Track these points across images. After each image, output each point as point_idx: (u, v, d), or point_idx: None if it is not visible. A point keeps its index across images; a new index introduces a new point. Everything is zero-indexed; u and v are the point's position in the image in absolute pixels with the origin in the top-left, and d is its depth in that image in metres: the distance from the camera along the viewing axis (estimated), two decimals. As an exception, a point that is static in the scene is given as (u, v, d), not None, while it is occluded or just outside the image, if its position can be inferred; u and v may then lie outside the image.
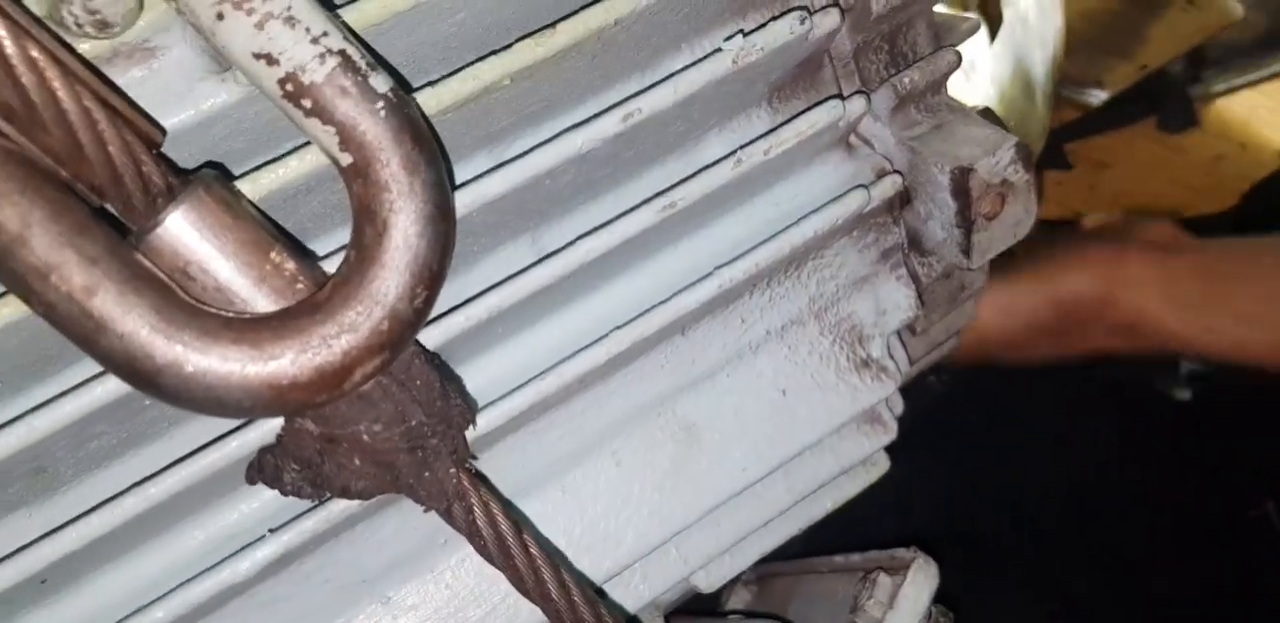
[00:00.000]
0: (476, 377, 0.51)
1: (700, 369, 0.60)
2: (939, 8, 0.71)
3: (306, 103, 0.38)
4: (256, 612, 0.50)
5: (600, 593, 0.57)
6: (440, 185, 0.39)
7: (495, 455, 0.54)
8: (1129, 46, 1.29)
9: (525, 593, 0.45)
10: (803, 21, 0.54)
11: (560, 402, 0.54)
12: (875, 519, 1.07)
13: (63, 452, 0.44)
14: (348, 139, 0.38)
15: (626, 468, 0.58)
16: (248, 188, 0.43)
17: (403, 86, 0.41)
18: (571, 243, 0.51)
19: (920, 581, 0.64)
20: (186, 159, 0.43)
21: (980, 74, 1.10)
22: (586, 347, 0.52)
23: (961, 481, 1.14)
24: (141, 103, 0.40)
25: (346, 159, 0.39)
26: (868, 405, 0.64)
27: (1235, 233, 1.34)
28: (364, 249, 0.38)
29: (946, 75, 0.64)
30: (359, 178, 0.39)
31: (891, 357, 0.65)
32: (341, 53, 0.38)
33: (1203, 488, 1.12)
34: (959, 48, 0.66)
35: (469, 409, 0.45)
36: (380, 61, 0.40)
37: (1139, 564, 1.07)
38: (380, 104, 0.39)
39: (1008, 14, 1.09)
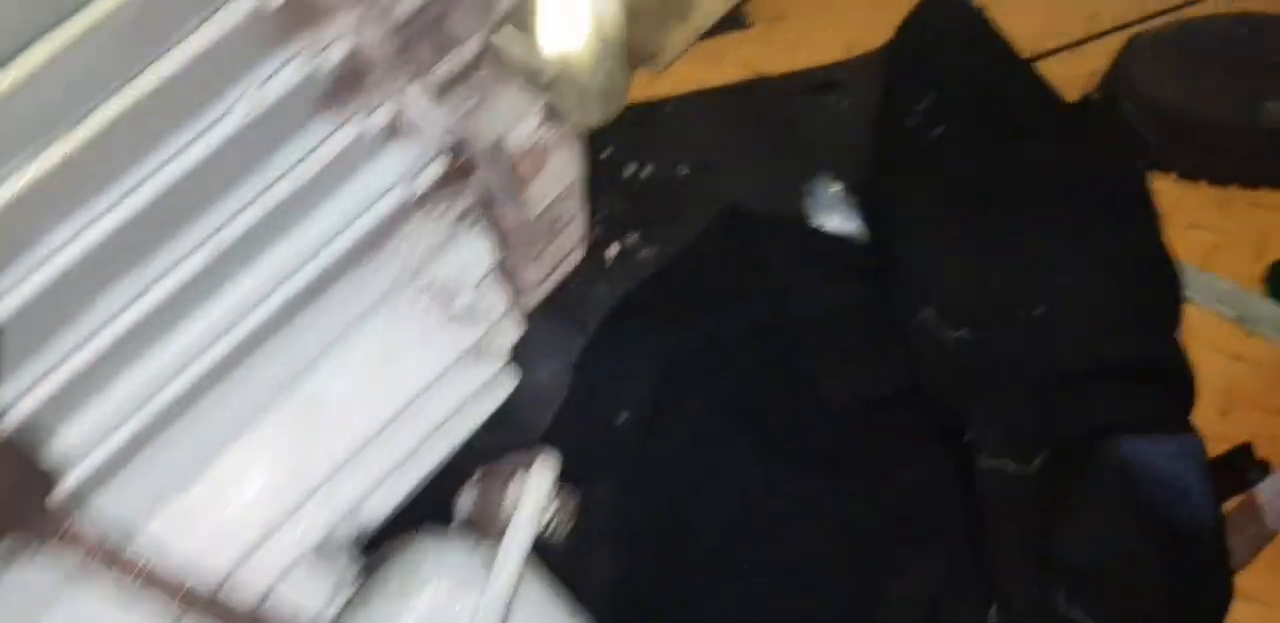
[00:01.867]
0: (74, 429, 0.59)
1: (313, 350, 0.69)
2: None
3: None
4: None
5: None
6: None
7: (129, 474, 0.62)
8: (684, 9, 1.33)
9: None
10: (308, 64, 0.61)
11: (179, 417, 0.63)
12: (601, 388, 1.20)
13: None
14: None
15: (263, 451, 0.68)
16: None
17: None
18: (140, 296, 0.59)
19: (538, 474, 0.77)
20: None
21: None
22: (174, 377, 0.61)
23: (669, 340, 1.25)
24: None
25: None
26: (467, 346, 0.74)
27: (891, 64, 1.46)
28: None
29: (478, 57, 0.72)
30: None
31: (481, 302, 0.75)
32: None
33: (877, 308, 1.26)
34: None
35: (50, 480, 0.53)
36: None
37: (824, 377, 1.21)
38: None
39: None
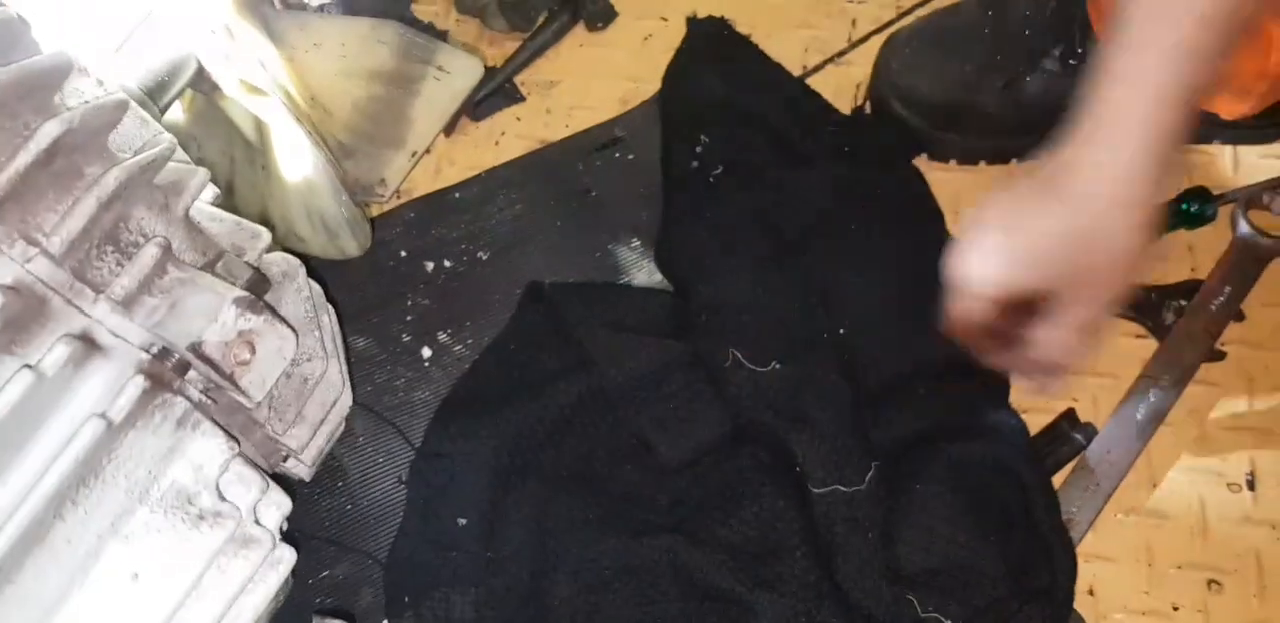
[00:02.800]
0: None
1: (50, 595, 0.69)
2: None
3: None
4: None
5: None
6: None
7: None
8: (400, 134, 1.34)
9: None
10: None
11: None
12: (435, 498, 1.21)
13: None
14: None
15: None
16: None
17: None
18: None
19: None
20: None
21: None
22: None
23: (497, 434, 1.26)
24: None
25: None
26: (219, 545, 0.75)
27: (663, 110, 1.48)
28: None
29: (160, 265, 0.73)
30: None
31: (224, 497, 0.76)
32: None
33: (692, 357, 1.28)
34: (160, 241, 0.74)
35: None
36: None
37: (652, 436, 1.23)
38: None
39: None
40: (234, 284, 0.76)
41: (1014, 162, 1.48)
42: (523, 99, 1.56)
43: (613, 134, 1.58)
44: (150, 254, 0.72)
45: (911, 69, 1.45)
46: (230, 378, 0.72)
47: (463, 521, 1.16)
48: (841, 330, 1.21)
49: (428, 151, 1.41)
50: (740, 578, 1.07)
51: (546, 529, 1.15)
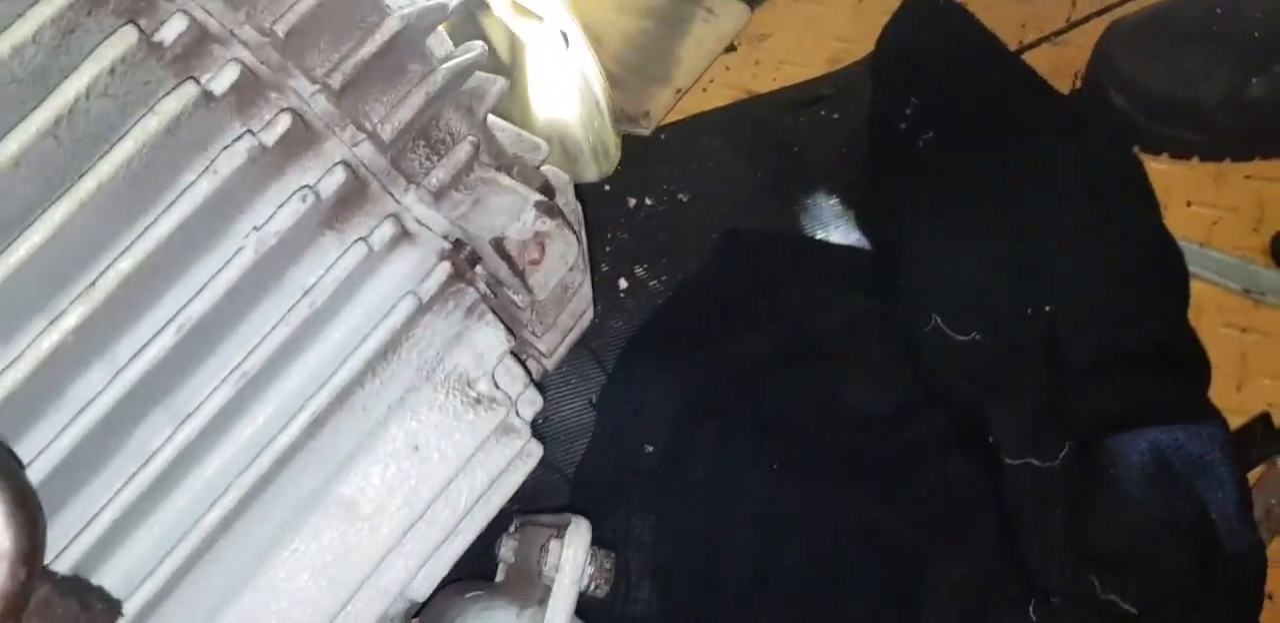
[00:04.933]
0: (125, 559, 0.64)
1: (341, 455, 0.74)
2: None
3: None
4: None
5: None
6: (15, 482, 0.52)
7: (184, 589, 0.67)
8: (666, 71, 1.35)
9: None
10: (305, 199, 0.66)
11: (224, 534, 0.68)
12: (625, 422, 1.25)
13: None
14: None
15: (304, 555, 0.73)
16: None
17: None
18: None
19: (575, 543, 0.82)
20: None
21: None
22: (216, 499, 0.66)
23: (687, 369, 1.29)
24: None
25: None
26: (489, 431, 0.79)
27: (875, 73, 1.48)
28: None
29: (468, 163, 0.76)
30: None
31: (499, 385, 0.79)
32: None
33: (888, 317, 1.29)
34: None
35: (111, 610, 0.59)
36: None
37: (843, 389, 1.25)
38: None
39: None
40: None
41: (1227, 159, 1.45)
42: (734, 49, 1.57)
43: (820, 91, 1.58)
44: (464, 150, 0.75)
45: (1134, 59, 1.43)
46: (521, 275, 0.75)
47: (649, 448, 1.19)
48: (1047, 308, 1.21)
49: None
50: (923, 536, 1.08)
51: (729, 468, 1.17)
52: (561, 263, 0.77)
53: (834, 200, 1.44)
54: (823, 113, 1.54)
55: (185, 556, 0.65)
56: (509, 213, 0.74)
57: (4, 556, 0.50)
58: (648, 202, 1.45)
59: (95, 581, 0.62)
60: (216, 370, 0.66)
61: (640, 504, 1.18)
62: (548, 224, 0.75)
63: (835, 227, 1.43)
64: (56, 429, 0.60)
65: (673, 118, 1.49)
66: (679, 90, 1.38)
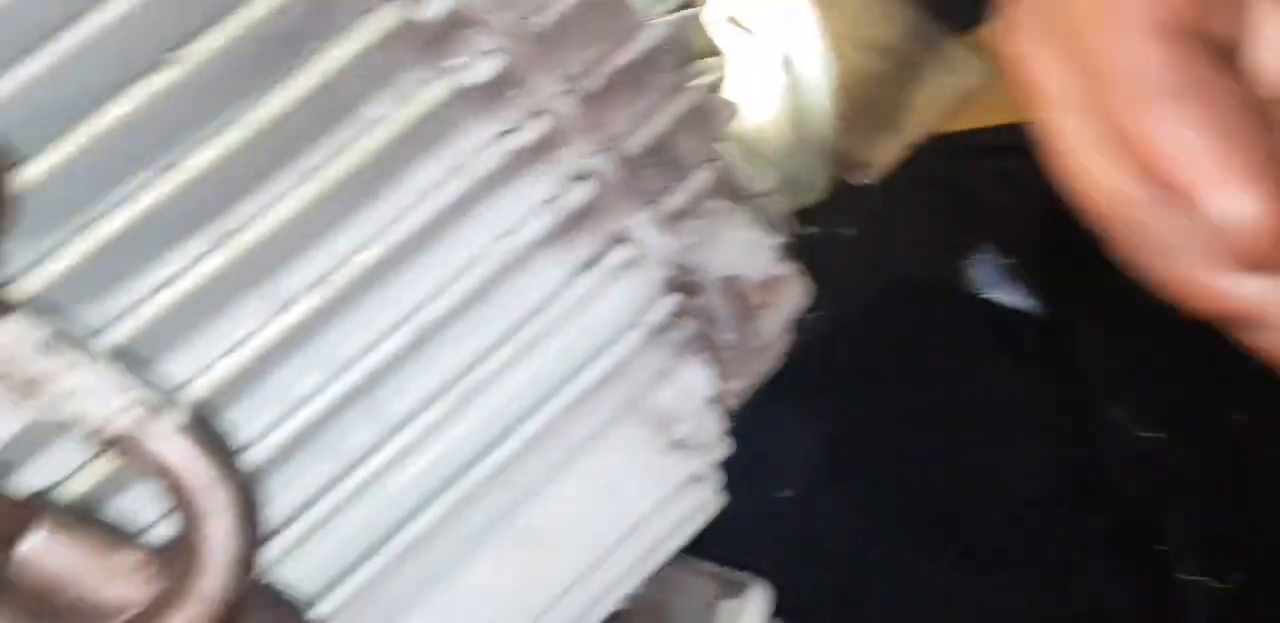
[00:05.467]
0: (308, 562, 0.61)
1: (534, 481, 0.70)
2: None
3: (116, 447, 0.47)
4: None
5: None
6: (241, 490, 0.48)
7: (357, 602, 0.64)
8: (894, 117, 1.30)
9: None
10: (557, 209, 0.62)
11: (407, 553, 0.65)
12: (762, 462, 1.20)
13: None
14: (157, 471, 0.47)
15: (482, 579, 0.68)
16: (78, 480, 0.52)
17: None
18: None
19: (752, 610, 0.77)
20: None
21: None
22: (417, 514, 0.63)
23: (831, 416, 1.24)
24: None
25: (159, 484, 0.47)
26: (686, 475, 0.74)
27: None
28: (186, 557, 0.48)
29: (705, 190, 0.72)
30: (173, 496, 0.48)
31: (699, 430, 0.75)
32: (139, 401, 0.46)
33: (1064, 399, 1.24)
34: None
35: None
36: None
37: (1000, 468, 1.19)
38: (178, 436, 0.47)
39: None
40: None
41: None
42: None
43: (1007, 140, 1.51)
44: (705, 176, 0.71)
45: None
46: (748, 320, 0.71)
47: (788, 493, 1.14)
48: (1237, 416, 1.14)
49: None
50: None
51: (862, 537, 1.12)
52: (790, 308, 0.73)
53: (1009, 260, 1.38)
54: (1004, 165, 1.47)
55: (377, 568, 0.61)
56: (746, 251, 0.70)
57: (226, 565, 0.47)
58: (812, 229, 1.40)
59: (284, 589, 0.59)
60: (433, 383, 0.62)
61: (765, 547, 1.13)
62: (784, 268, 0.70)
63: (1006, 288, 1.36)
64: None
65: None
66: (908, 143, 1.32)
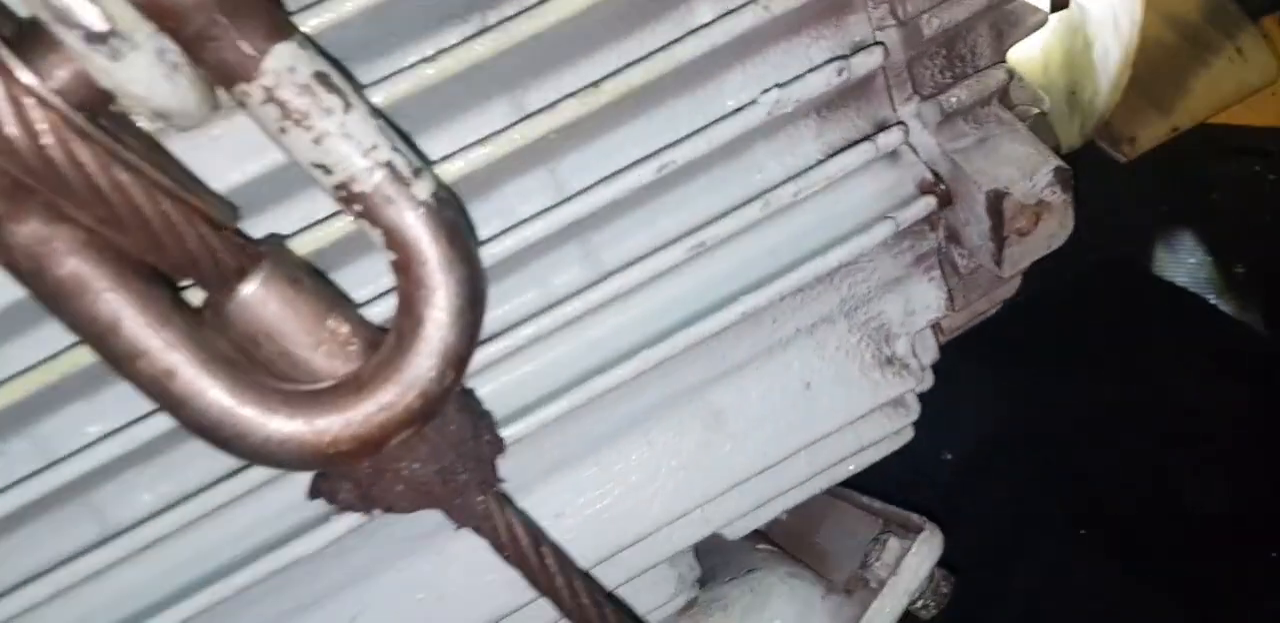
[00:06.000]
0: (508, 385, 0.58)
1: (731, 362, 0.65)
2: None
3: (357, 207, 0.43)
4: (335, 560, 0.60)
5: (612, 599, 0.64)
6: (471, 280, 0.45)
7: (537, 436, 0.60)
8: (1171, 98, 1.18)
9: (539, 590, 0.54)
10: (840, 72, 0.57)
11: (597, 398, 0.61)
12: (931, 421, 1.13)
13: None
14: (391, 240, 0.44)
15: (656, 449, 0.65)
16: (309, 237, 0.49)
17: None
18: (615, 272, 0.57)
19: (924, 552, 0.72)
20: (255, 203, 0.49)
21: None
22: (614, 364, 0.59)
23: (1013, 389, 1.17)
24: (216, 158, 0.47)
25: (390, 256, 0.44)
26: (887, 399, 0.69)
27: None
28: (402, 336, 0.45)
29: (995, 93, 0.66)
30: (401, 274, 0.44)
31: (915, 352, 0.69)
32: (388, 164, 0.43)
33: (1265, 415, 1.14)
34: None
35: (497, 443, 0.52)
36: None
37: (1183, 478, 1.10)
38: (420, 210, 0.44)
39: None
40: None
41: None
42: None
43: (1260, 144, 1.40)
44: (997, 78, 0.65)
45: None
46: (1001, 242, 0.65)
47: (948, 456, 1.08)
48: None
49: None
50: None
51: (1023, 512, 1.05)
52: (1046, 243, 0.67)
53: (1240, 268, 1.27)
54: (1257, 169, 1.35)
55: (565, 407, 0.58)
56: (1021, 167, 0.63)
57: (441, 353, 0.43)
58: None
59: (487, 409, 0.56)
60: (654, 227, 0.58)
61: (921, 503, 1.07)
62: (1058, 195, 0.64)
63: (1230, 298, 1.26)
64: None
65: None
66: (1175, 128, 1.21)
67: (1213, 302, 1.23)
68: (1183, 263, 1.27)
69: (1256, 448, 1.06)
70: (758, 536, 0.83)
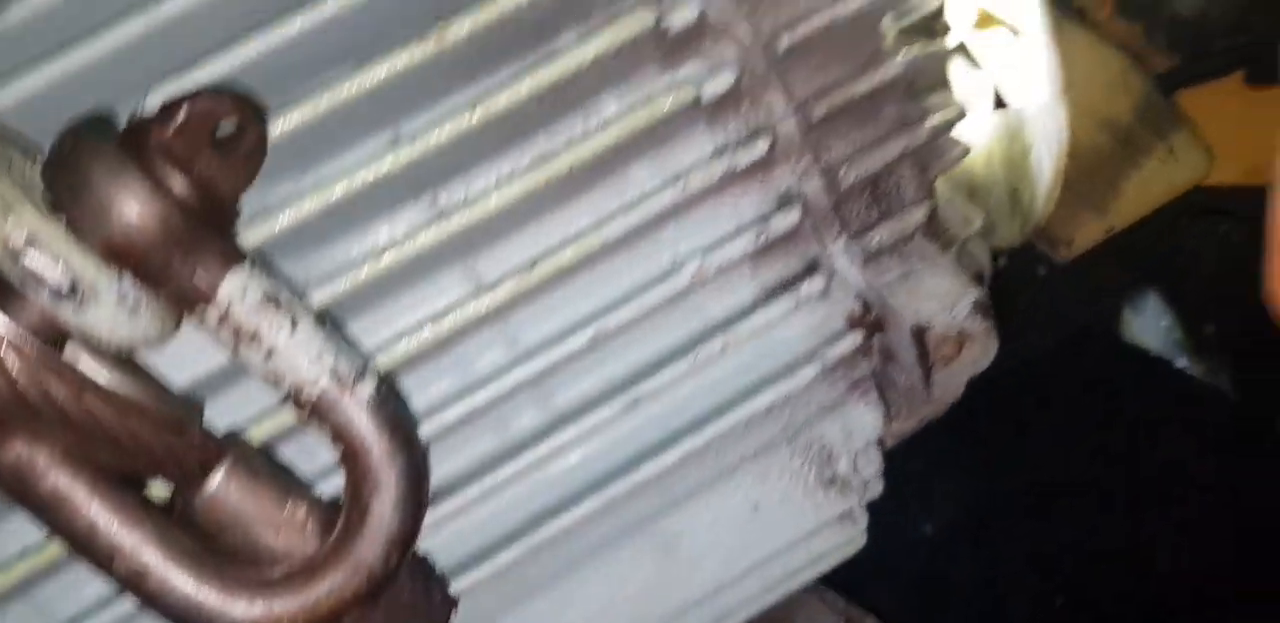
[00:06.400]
0: (462, 530, 0.63)
1: (680, 491, 0.70)
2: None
3: (306, 410, 0.49)
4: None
5: None
6: (413, 468, 0.50)
7: (489, 581, 0.65)
8: (1105, 200, 1.22)
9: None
10: (759, 236, 0.62)
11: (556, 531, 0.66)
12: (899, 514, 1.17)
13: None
14: (337, 436, 0.49)
15: (611, 579, 0.69)
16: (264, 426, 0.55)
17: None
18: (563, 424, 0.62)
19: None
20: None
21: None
22: (565, 508, 0.63)
23: (988, 463, 1.21)
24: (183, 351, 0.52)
25: (338, 449, 0.49)
26: (836, 514, 0.73)
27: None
28: (349, 524, 0.49)
29: (915, 231, 0.70)
30: (346, 465, 0.49)
31: (857, 469, 0.74)
32: (332, 371, 0.48)
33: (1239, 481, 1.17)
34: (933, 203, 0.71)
35: (449, 604, 0.57)
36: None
37: (1160, 551, 1.13)
38: (363, 409, 0.49)
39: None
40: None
41: None
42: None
43: (1224, 204, 1.43)
44: (917, 216, 0.69)
45: None
46: (928, 370, 0.69)
47: (929, 528, 1.12)
48: None
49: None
50: None
51: (1003, 598, 1.08)
52: (972, 367, 0.71)
53: (1209, 329, 1.31)
54: (1223, 229, 1.39)
55: (520, 552, 0.63)
56: (941, 302, 0.68)
57: (386, 540, 0.48)
58: (1002, 262, 1.35)
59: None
60: (604, 382, 0.63)
61: (894, 579, 1.11)
62: (978, 324, 0.68)
63: (1199, 361, 1.30)
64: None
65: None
66: (1111, 229, 1.24)
67: (1182, 366, 1.26)
68: (1152, 326, 1.31)
69: (1223, 512, 1.09)
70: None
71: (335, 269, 0.56)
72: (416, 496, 0.50)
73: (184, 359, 0.53)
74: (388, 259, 0.56)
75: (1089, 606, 1.06)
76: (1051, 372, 1.27)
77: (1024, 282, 1.35)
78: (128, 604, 0.56)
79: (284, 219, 0.53)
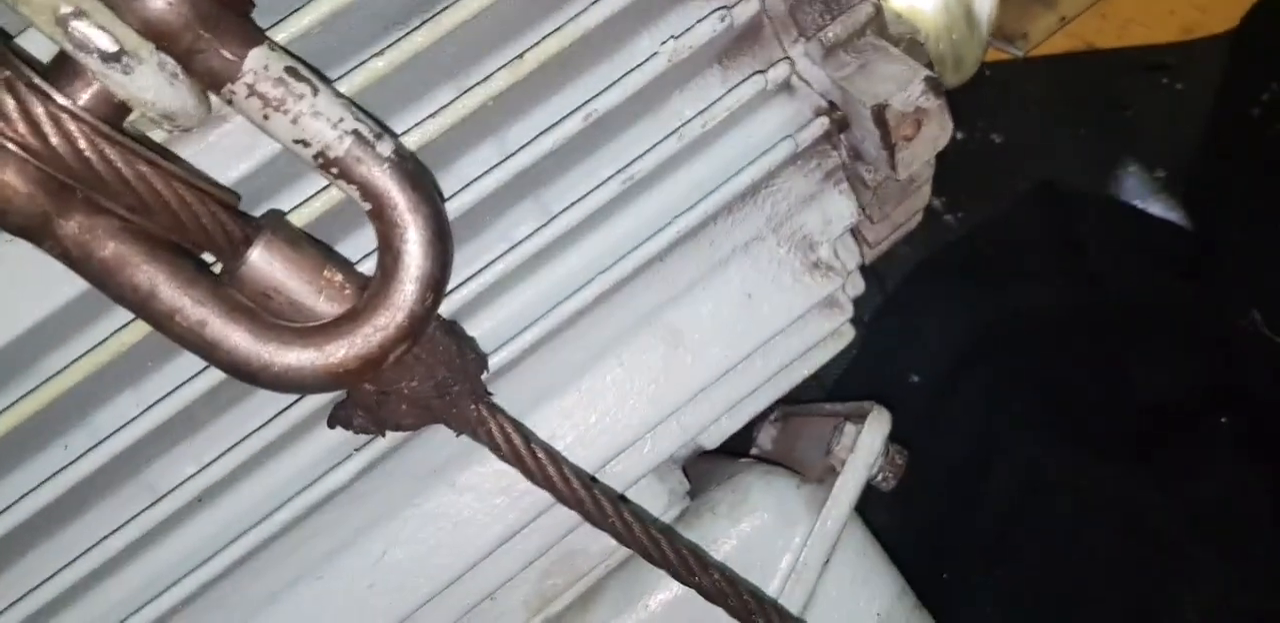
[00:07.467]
0: (488, 323, 0.68)
1: (680, 285, 0.75)
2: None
3: (334, 170, 0.53)
4: (359, 504, 0.70)
5: (594, 479, 0.75)
6: (437, 216, 0.55)
7: (520, 372, 0.70)
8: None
9: (536, 484, 0.64)
10: (723, 19, 0.66)
11: (568, 327, 0.71)
12: (894, 347, 1.23)
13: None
14: (365, 193, 0.54)
15: (628, 369, 0.75)
16: (300, 213, 0.59)
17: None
18: (558, 214, 0.67)
19: (875, 428, 0.81)
20: (254, 193, 0.59)
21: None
22: (576, 290, 0.69)
23: (968, 308, 1.26)
24: (215, 158, 0.57)
25: (366, 206, 0.54)
26: (820, 298, 0.79)
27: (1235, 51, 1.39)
28: (386, 270, 0.54)
29: (866, 24, 0.75)
30: (376, 220, 0.54)
31: (838, 256, 0.79)
32: (354, 132, 0.53)
33: (1199, 302, 1.23)
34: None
35: (481, 360, 0.62)
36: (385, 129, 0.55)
37: (1135, 368, 1.19)
38: (386, 165, 0.53)
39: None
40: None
41: None
42: (1080, -1, 1.47)
43: (1164, 59, 1.49)
44: (865, 11, 0.74)
45: None
46: (891, 148, 0.74)
47: (915, 378, 1.17)
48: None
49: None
50: (1188, 540, 1.03)
51: (998, 420, 1.14)
52: (931, 146, 0.76)
53: (1160, 173, 1.37)
54: (1164, 81, 1.45)
55: (536, 336, 0.68)
56: (896, 82, 0.72)
57: (419, 278, 0.53)
58: (958, 135, 1.41)
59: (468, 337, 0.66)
60: (591, 172, 0.68)
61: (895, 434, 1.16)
62: (932, 101, 0.73)
63: (1155, 201, 1.36)
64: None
65: (1004, 56, 1.43)
66: (1063, 18, 1.31)
67: (1140, 206, 1.32)
68: (1108, 176, 1.37)
69: (1196, 333, 1.15)
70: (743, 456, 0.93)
71: (342, 73, 0.60)
72: (443, 242, 0.55)
73: (221, 165, 0.58)
74: (385, 62, 0.60)
75: (1081, 432, 1.11)
76: (1017, 224, 1.33)
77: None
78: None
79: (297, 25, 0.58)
